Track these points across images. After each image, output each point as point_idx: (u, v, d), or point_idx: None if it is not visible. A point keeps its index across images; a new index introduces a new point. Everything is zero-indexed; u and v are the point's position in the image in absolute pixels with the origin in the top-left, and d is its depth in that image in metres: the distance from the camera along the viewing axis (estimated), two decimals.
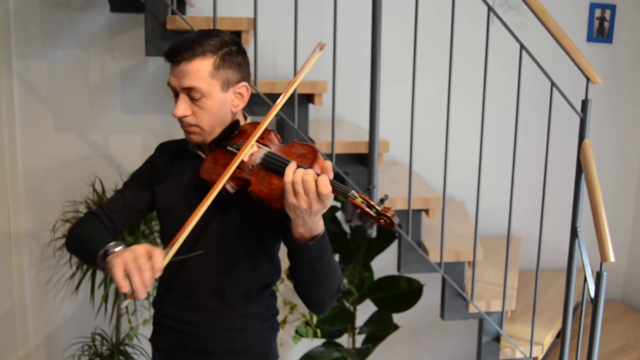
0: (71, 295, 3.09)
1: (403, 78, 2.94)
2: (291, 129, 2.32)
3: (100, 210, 1.59)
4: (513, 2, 3.23)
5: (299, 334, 2.88)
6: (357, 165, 2.40)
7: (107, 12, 2.85)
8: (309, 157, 1.34)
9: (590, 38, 3.38)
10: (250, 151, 1.38)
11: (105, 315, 2.98)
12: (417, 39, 2.32)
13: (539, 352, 2.59)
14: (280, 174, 1.30)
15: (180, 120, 1.43)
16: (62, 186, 3.02)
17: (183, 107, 1.40)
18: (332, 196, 1.23)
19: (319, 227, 1.31)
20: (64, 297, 3.11)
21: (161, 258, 1.24)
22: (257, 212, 1.44)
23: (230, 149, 1.43)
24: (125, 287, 1.21)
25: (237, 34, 2.29)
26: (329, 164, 1.27)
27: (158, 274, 1.24)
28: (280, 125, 2.90)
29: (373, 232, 1.25)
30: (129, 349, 2.94)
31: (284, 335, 3.32)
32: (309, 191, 1.21)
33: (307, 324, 2.89)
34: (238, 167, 1.36)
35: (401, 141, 2.97)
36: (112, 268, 1.23)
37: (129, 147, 3.04)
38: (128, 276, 1.22)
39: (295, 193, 1.22)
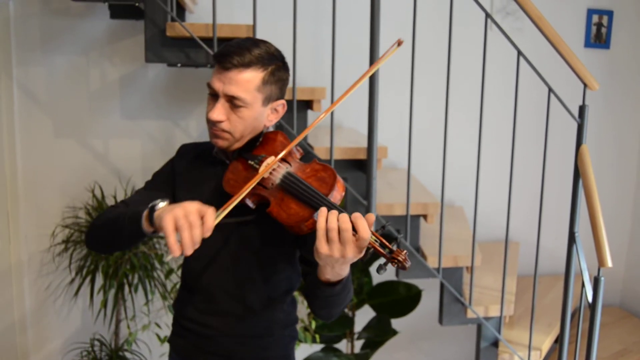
0: (70, 301, 3.10)
1: (401, 84, 2.95)
2: (290, 135, 2.33)
3: (124, 205, 1.56)
4: (511, 9, 3.25)
5: (297, 339, 2.87)
6: (356, 171, 2.41)
7: (107, 19, 2.86)
8: (327, 182, 1.31)
9: (587, 44, 3.40)
10: (270, 168, 1.37)
11: (105, 320, 2.99)
12: (415, 44, 2.34)
13: (537, 357, 2.59)
14: (299, 199, 1.29)
15: (213, 123, 1.41)
16: (61, 192, 3.03)
17: (221, 112, 1.39)
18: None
19: (346, 271, 1.28)
20: (63, 303, 3.11)
21: (213, 217, 1.22)
22: (277, 223, 1.43)
23: (251, 162, 1.41)
24: (177, 251, 1.19)
25: None
26: (372, 218, 1.21)
27: (208, 234, 1.22)
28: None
29: (382, 271, 1.22)
30: (128, 355, 2.94)
31: None
32: (346, 241, 1.16)
33: (306, 329, 2.89)
34: (258, 184, 1.35)
35: (400, 147, 2.98)
36: (163, 222, 1.20)
37: (128, 153, 3.05)
38: (178, 231, 1.19)
39: (330, 240, 1.17)
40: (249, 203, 1.37)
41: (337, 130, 2.99)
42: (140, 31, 2.88)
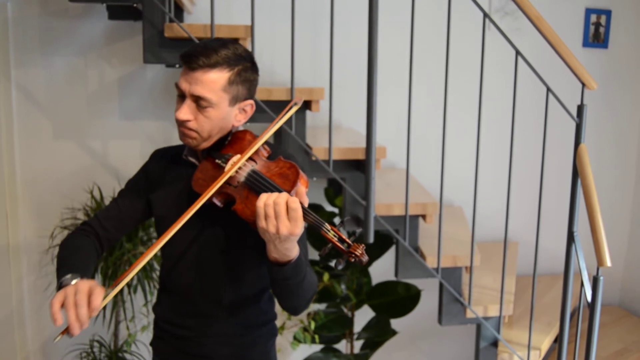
0: None
1: (400, 84, 2.96)
2: (289, 135, 2.33)
3: (96, 220, 1.60)
4: (509, 8, 3.25)
5: (297, 339, 2.88)
6: (355, 171, 2.41)
7: (105, 20, 2.86)
8: (290, 179, 1.35)
9: (586, 43, 3.40)
10: (235, 167, 1.40)
11: (104, 321, 2.98)
12: (413, 44, 2.34)
13: (536, 356, 2.59)
14: None
15: (181, 122, 1.43)
16: (60, 193, 3.02)
17: (187, 112, 1.41)
18: (302, 223, 1.24)
19: (293, 253, 1.32)
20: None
21: (101, 297, 1.24)
22: (244, 221, 1.45)
23: (218, 161, 1.44)
24: (59, 321, 1.19)
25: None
26: (302, 190, 1.30)
27: (95, 313, 1.23)
28: (277, 132, 2.91)
29: (341, 266, 1.26)
30: (127, 356, 2.94)
31: (282, 341, 3.32)
32: (278, 214, 1.23)
33: (305, 329, 2.89)
34: (225, 182, 1.38)
35: (398, 147, 2.98)
36: (53, 299, 1.23)
37: (127, 154, 3.04)
38: (65, 310, 1.22)
39: (266, 216, 1.24)
40: (217, 202, 1.39)
41: (336, 130, 2.99)
42: (139, 32, 2.88)
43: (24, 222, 3.02)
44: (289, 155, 1.53)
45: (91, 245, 1.56)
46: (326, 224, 1.26)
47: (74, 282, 1.30)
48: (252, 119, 2.31)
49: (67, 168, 3.01)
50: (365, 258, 1.24)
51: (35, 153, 2.99)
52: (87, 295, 1.23)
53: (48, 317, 3.11)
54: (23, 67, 2.92)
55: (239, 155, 1.41)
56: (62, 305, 1.22)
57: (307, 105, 2.39)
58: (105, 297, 1.26)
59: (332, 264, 3.07)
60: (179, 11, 2.69)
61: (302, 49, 2.93)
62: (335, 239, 1.25)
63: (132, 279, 2.77)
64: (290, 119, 2.31)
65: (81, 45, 2.94)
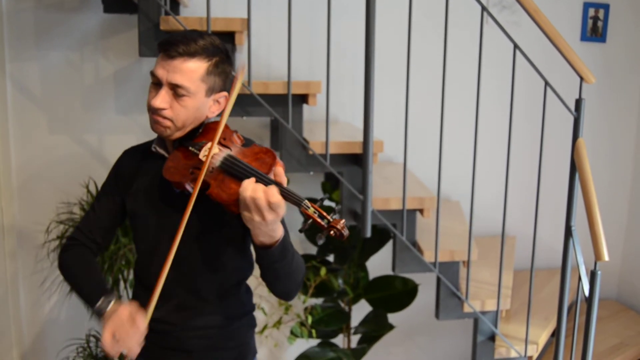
0: (65, 297, 3.08)
1: (397, 77, 2.94)
2: (285, 129, 2.31)
3: (79, 233, 1.61)
4: (507, 2, 3.23)
5: (294, 334, 2.87)
6: (352, 165, 2.40)
7: (101, 13, 2.84)
8: (267, 162, 1.37)
9: (584, 37, 3.39)
10: (212, 153, 1.40)
11: None
12: (410, 38, 2.33)
13: (533, 351, 2.59)
14: (239, 179, 1.33)
15: (155, 110, 1.42)
16: (56, 187, 3.01)
17: (164, 100, 1.41)
18: (284, 205, 1.26)
19: (278, 233, 1.34)
20: (58, 299, 3.10)
21: (143, 320, 1.34)
22: (223, 210, 1.46)
23: (192, 149, 1.45)
24: (115, 354, 1.35)
25: (231, 35, 2.28)
26: (280, 171, 1.32)
27: (144, 335, 1.37)
28: (274, 126, 2.90)
29: (321, 241, 1.26)
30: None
31: (279, 336, 3.32)
32: (260, 207, 1.25)
33: (302, 324, 2.89)
34: (198, 169, 1.39)
35: (396, 141, 2.97)
36: (103, 335, 1.36)
37: (123, 148, 2.99)
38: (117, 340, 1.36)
39: (248, 208, 1.27)
40: (189, 188, 1.40)
41: (333, 124, 2.98)
42: (134, 25, 2.86)
43: (19, 217, 3.01)
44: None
45: (91, 255, 1.60)
46: (306, 200, 1.27)
47: (109, 307, 1.42)
48: (249, 113, 2.32)
49: (62, 162, 3.00)
50: (346, 232, 1.24)
51: (30, 147, 2.97)
52: (132, 322, 1.36)
53: (44, 311, 3.10)
54: (18, 61, 2.90)
55: (211, 142, 1.43)
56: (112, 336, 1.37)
57: (304, 99, 2.38)
58: (146, 316, 1.38)
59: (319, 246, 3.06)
60: (175, 4, 2.67)
61: (299, 42, 2.92)
62: (315, 215, 1.26)
63: (128, 274, 2.77)
64: (287, 112, 2.29)
65: (76, 39, 2.92)
